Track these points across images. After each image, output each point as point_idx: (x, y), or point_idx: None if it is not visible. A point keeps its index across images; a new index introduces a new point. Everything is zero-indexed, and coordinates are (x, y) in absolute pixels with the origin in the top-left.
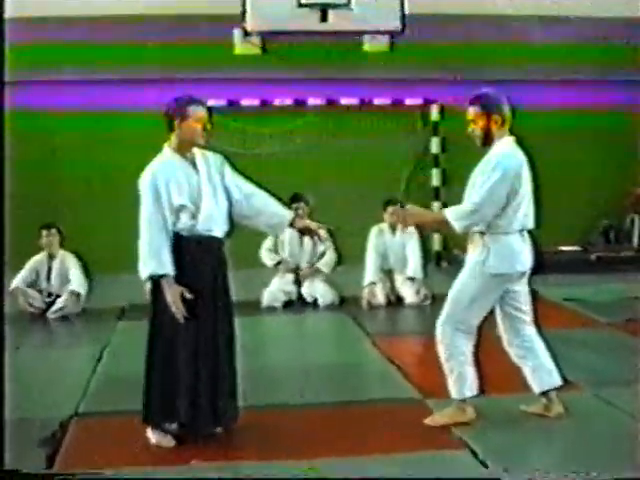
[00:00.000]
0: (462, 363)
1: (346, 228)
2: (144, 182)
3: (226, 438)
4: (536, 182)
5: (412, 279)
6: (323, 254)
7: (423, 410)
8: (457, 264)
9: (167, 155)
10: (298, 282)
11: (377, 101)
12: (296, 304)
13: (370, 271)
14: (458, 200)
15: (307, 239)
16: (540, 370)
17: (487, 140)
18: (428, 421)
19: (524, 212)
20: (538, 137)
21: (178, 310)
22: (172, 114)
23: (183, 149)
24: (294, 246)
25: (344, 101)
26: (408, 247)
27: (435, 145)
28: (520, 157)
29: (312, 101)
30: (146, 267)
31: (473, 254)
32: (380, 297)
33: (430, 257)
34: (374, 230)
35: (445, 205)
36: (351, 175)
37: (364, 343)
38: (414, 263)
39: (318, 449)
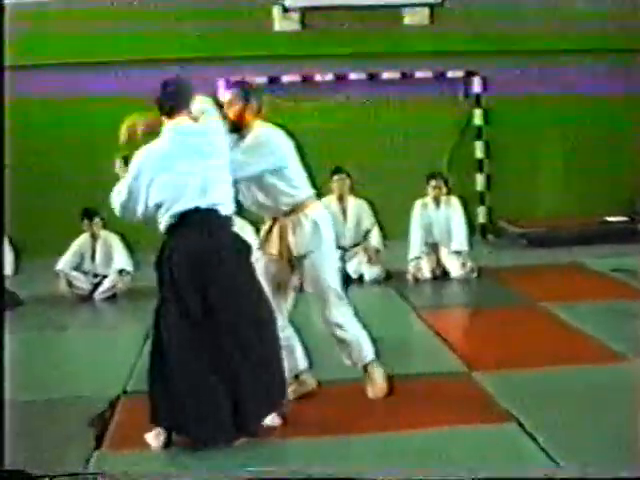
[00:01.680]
0: None
1: (390, 202)
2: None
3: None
4: (581, 153)
5: (457, 252)
6: (367, 231)
7: (470, 383)
8: (503, 236)
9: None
10: (342, 259)
11: (418, 74)
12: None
13: (415, 245)
14: (502, 171)
15: (351, 216)
16: None
17: (239, 125)
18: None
19: None
20: (580, 105)
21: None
22: (188, 96)
23: None
24: (339, 223)
25: (385, 75)
26: (453, 220)
27: (478, 117)
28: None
29: (353, 76)
30: None
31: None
32: (426, 271)
33: (475, 230)
34: (418, 204)
35: (489, 177)
36: (393, 149)
37: (410, 317)
38: (459, 236)
39: (364, 424)
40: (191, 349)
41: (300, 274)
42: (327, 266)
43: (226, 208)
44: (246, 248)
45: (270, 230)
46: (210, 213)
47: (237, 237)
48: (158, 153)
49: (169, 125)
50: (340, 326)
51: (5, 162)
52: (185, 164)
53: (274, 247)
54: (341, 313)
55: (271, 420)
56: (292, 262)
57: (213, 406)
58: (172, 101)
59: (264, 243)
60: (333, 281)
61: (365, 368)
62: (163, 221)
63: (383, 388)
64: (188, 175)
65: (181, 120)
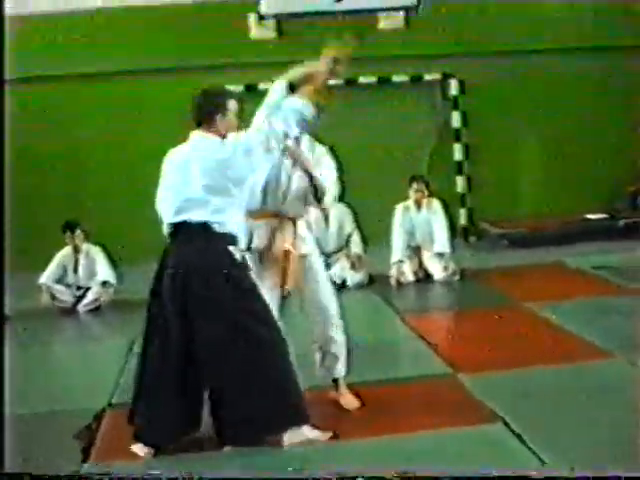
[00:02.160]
0: None
1: (371, 207)
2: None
3: None
4: (560, 152)
5: (440, 255)
6: (349, 236)
7: (456, 385)
8: (484, 238)
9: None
10: (326, 264)
11: (395, 78)
12: None
13: (397, 249)
14: (482, 173)
15: (333, 222)
16: None
17: None
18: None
19: None
20: (557, 104)
21: None
22: (212, 108)
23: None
24: (321, 230)
25: (362, 80)
26: (434, 223)
27: (456, 119)
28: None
29: (329, 82)
30: None
31: None
32: (408, 274)
33: (457, 232)
34: (399, 208)
35: (469, 179)
36: (373, 153)
37: (394, 321)
38: (441, 238)
39: (352, 428)
40: (163, 361)
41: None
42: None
43: (224, 225)
44: (237, 267)
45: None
46: (202, 228)
47: (228, 255)
48: (170, 159)
49: (191, 135)
50: (335, 341)
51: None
52: (183, 176)
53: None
54: (339, 325)
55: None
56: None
57: (164, 411)
58: (195, 114)
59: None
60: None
61: (336, 381)
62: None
63: (354, 400)
64: (184, 187)
65: (202, 133)
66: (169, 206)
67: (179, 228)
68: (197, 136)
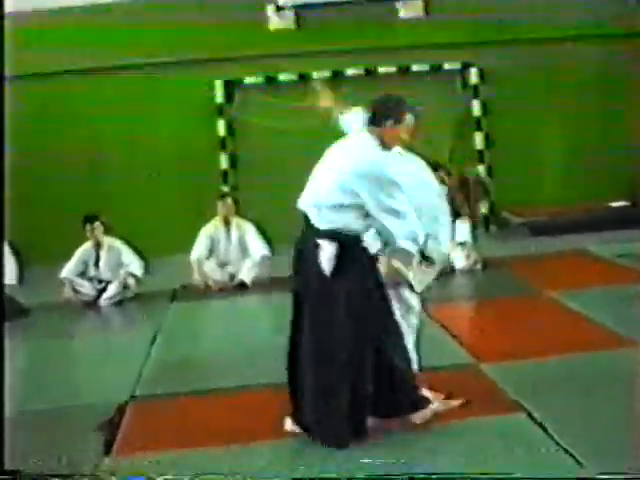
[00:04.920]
0: None
1: None
2: (389, 171)
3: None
4: (581, 140)
5: (461, 244)
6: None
7: (478, 375)
8: (506, 226)
9: (379, 149)
10: None
11: (415, 67)
12: None
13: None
14: (502, 162)
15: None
16: None
17: None
18: None
19: None
20: (578, 91)
21: None
22: (385, 113)
23: (384, 148)
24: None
25: (382, 70)
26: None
27: (476, 108)
28: None
29: (350, 72)
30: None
31: None
32: None
33: (479, 221)
34: None
35: (490, 167)
36: None
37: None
38: (462, 228)
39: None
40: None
41: None
42: None
43: (318, 220)
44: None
45: None
46: (307, 219)
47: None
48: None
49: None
50: None
51: (6, 171)
52: (320, 168)
53: None
54: None
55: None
56: None
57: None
58: (369, 113)
59: None
60: None
61: None
62: None
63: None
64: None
65: (365, 132)
66: (305, 192)
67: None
68: (360, 134)
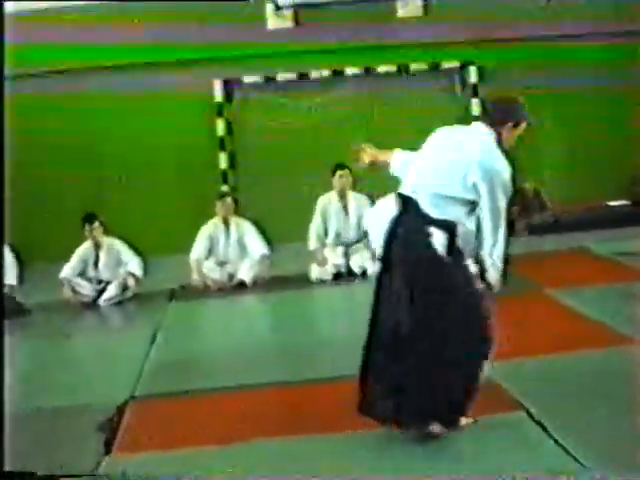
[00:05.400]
0: None
1: (384, 195)
2: (507, 175)
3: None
4: (582, 138)
5: None
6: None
7: None
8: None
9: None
10: (346, 254)
11: (414, 66)
12: (345, 276)
13: None
14: None
15: (352, 212)
16: None
17: None
18: None
19: None
20: (579, 92)
21: None
22: (510, 114)
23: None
24: (341, 220)
25: (381, 68)
26: None
27: (476, 107)
28: None
29: (349, 71)
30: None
31: None
32: None
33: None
34: None
35: None
36: (393, 141)
37: None
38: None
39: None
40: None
41: None
42: None
43: (430, 208)
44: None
45: None
46: (413, 202)
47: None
48: (438, 133)
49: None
50: None
51: (5, 171)
52: (434, 156)
53: None
54: None
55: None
56: None
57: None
58: (491, 111)
59: None
60: None
61: None
62: None
63: None
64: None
65: (486, 127)
66: (415, 177)
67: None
68: (480, 127)
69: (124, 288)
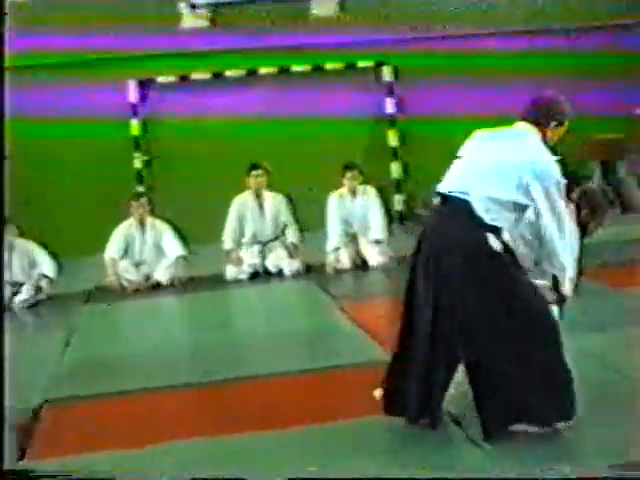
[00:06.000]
0: None
1: (308, 195)
2: (559, 175)
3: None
4: None
5: (376, 241)
6: (285, 225)
7: None
8: (420, 224)
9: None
10: (262, 253)
11: (329, 65)
12: (262, 275)
13: (333, 236)
14: (417, 158)
15: (268, 211)
16: None
17: None
18: None
19: None
20: (494, 88)
21: None
22: (554, 114)
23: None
24: (257, 219)
25: (296, 68)
26: (370, 210)
27: (390, 106)
28: None
29: (264, 70)
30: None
31: None
32: (345, 262)
33: (393, 218)
34: (334, 195)
35: (405, 166)
36: (308, 141)
37: (332, 309)
38: (377, 225)
39: (293, 416)
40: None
41: None
42: None
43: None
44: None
45: None
46: (462, 204)
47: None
48: (480, 134)
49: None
50: None
51: None
52: (478, 153)
53: None
54: None
55: None
56: None
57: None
58: (533, 108)
59: None
60: None
61: None
62: None
63: None
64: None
65: (528, 125)
66: (458, 179)
67: (447, 198)
68: (524, 127)
69: (37, 290)
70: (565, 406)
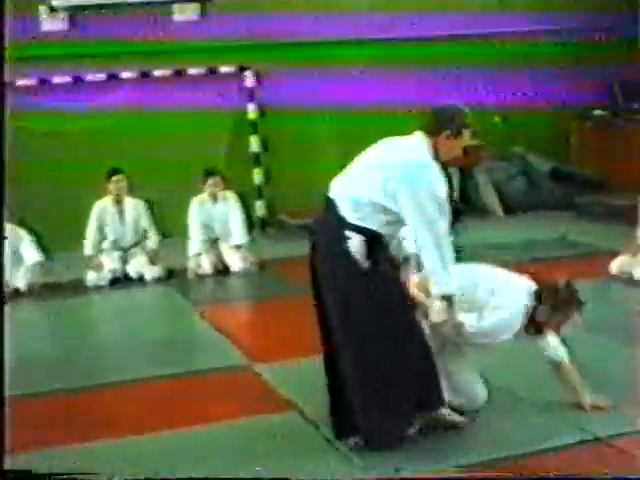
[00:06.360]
0: None
1: (169, 200)
2: (438, 187)
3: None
4: (357, 142)
5: (238, 247)
6: (146, 231)
7: (252, 375)
8: (283, 229)
9: (429, 157)
10: (123, 260)
11: (192, 71)
12: (122, 281)
13: (195, 242)
14: (280, 164)
15: (129, 217)
16: None
17: None
18: None
19: None
20: (356, 95)
21: None
22: (447, 122)
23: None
24: (117, 225)
25: (158, 73)
26: (231, 215)
27: (252, 111)
28: None
29: (125, 74)
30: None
31: None
32: (207, 267)
33: (255, 224)
34: (195, 201)
35: (267, 172)
36: (170, 147)
37: (192, 314)
38: (238, 231)
39: (153, 423)
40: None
41: None
42: None
43: (351, 214)
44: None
45: None
46: (335, 207)
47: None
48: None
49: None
50: None
51: None
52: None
53: None
54: None
55: None
56: None
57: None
58: (429, 119)
59: None
60: None
61: None
62: None
63: None
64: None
65: (421, 136)
66: (339, 183)
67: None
68: (415, 136)
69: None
70: (425, 398)
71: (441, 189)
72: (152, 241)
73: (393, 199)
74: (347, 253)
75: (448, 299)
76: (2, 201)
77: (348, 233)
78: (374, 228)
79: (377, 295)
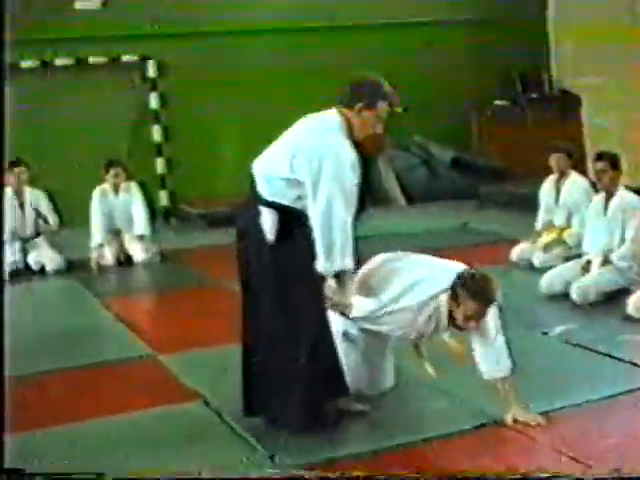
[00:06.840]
0: None
1: (70, 191)
2: (345, 163)
3: None
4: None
5: (140, 237)
6: (46, 218)
7: (156, 366)
8: (186, 219)
9: (339, 133)
10: (24, 250)
11: (93, 60)
12: (23, 273)
13: (96, 233)
14: (181, 155)
15: (28, 207)
16: None
17: None
18: None
19: None
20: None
21: None
22: (361, 94)
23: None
24: (17, 216)
25: (59, 62)
26: (133, 206)
27: (154, 101)
28: None
29: (25, 64)
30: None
31: None
32: (109, 258)
33: (158, 214)
34: (97, 191)
35: (169, 160)
36: (71, 137)
37: (95, 306)
38: (140, 221)
39: (56, 416)
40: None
41: None
42: None
43: (266, 190)
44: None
45: None
46: (253, 185)
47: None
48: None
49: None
50: None
51: None
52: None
53: None
54: None
55: None
56: None
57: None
58: (342, 94)
59: None
60: None
61: None
62: None
63: None
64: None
65: (334, 112)
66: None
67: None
68: (329, 111)
69: None
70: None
71: (345, 162)
72: (53, 231)
73: (300, 174)
74: (259, 229)
75: (338, 278)
76: (2, 198)
77: (260, 208)
78: (286, 203)
79: (279, 272)
